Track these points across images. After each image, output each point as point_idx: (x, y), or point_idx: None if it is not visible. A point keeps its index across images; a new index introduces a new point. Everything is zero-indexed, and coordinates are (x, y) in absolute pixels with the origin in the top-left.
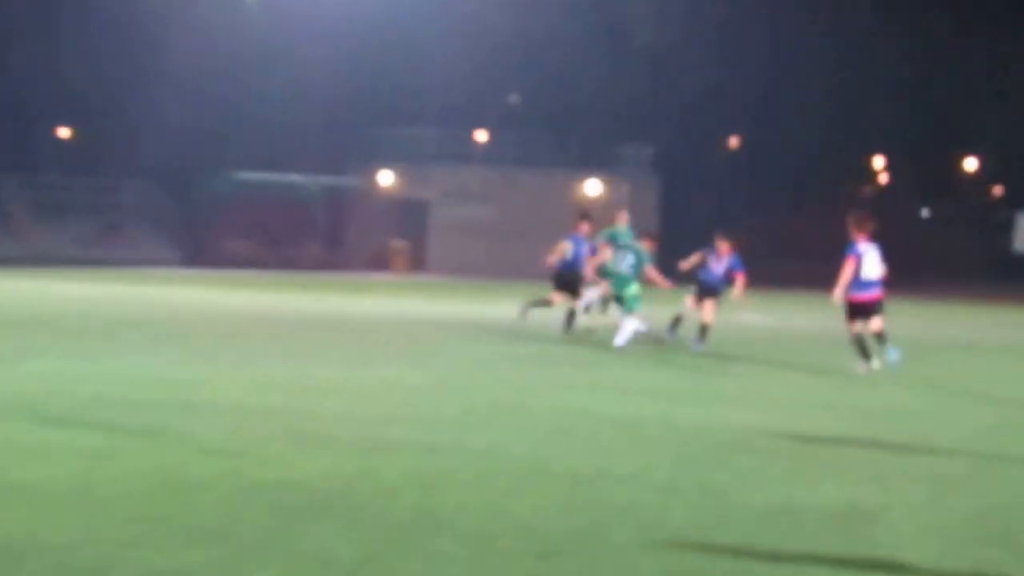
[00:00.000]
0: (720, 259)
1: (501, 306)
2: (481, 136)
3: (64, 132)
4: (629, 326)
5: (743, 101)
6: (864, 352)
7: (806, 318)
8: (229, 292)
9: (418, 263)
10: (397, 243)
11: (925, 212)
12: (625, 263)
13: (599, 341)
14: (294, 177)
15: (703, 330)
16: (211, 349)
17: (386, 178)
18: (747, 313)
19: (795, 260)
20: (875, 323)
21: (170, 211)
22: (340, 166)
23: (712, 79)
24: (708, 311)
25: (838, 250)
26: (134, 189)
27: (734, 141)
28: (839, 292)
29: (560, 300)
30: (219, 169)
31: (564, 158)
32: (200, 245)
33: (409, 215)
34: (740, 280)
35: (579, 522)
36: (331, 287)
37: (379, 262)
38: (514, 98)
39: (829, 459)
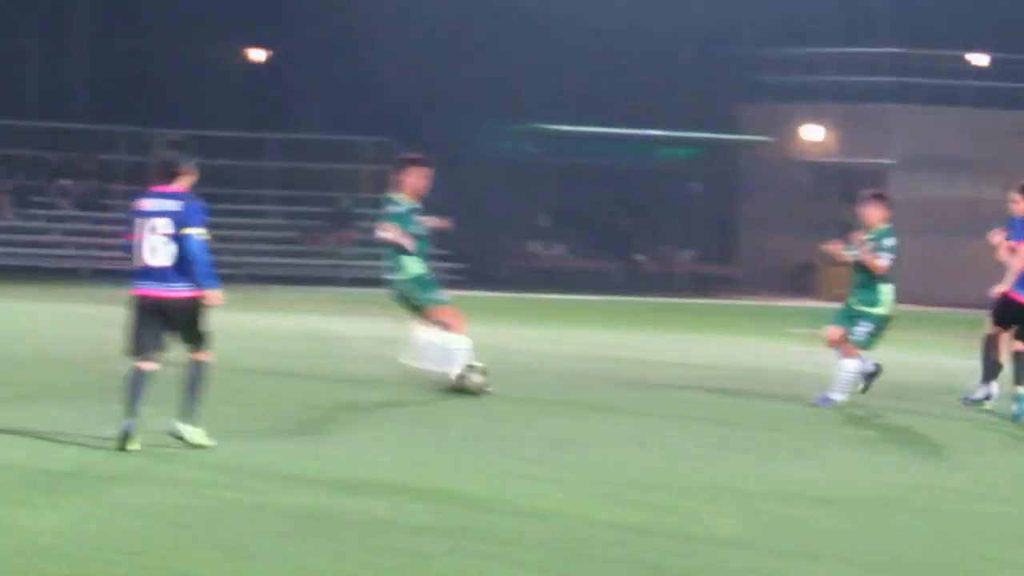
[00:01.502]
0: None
1: None
2: (979, 59)
3: (256, 54)
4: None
5: None
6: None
7: None
8: (532, 329)
9: None
10: (833, 246)
11: None
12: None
13: None
14: (648, 133)
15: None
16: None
17: (813, 133)
18: None
19: None
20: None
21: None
22: (717, 113)
23: None
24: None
25: None
26: (371, 149)
27: None
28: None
29: None
30: (503, 121)
31: None
32: (477, 246)
33: (850, 198)
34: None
35: None
36: (723, 322)
37: (800, 280)
38: None
39: None
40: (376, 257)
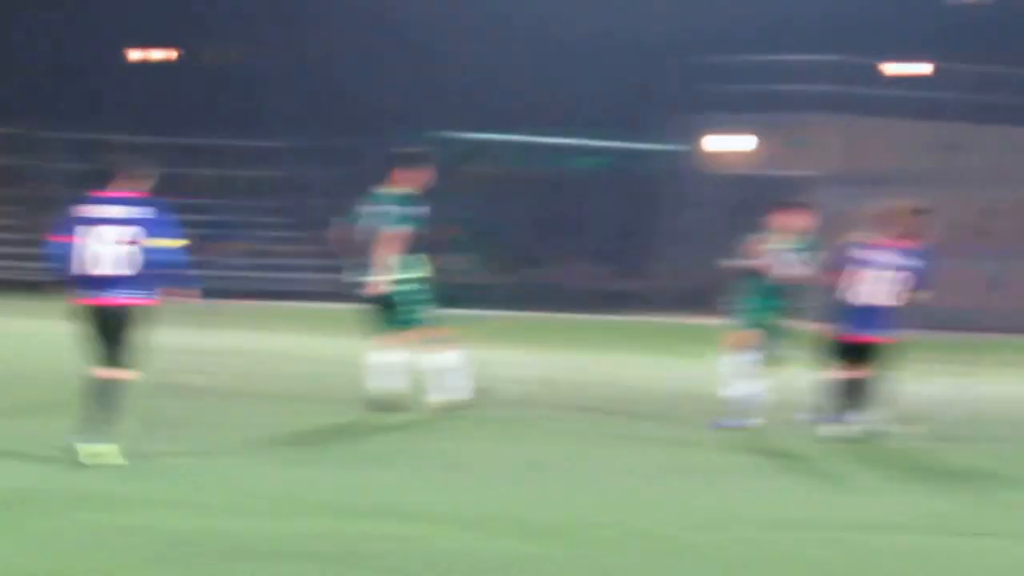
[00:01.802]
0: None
1: None
2: (894, 68)
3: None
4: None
5: None
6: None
7: None
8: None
9: None
10: (736, 263)
11: None
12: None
13: None
14: (558, 141)
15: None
16: None
17: (716, 143)
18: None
19: None
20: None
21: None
22: (641, 124)
23: None
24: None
25: None
26: (288, 159)
27: None
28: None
29: None
30: (412, 129)
31: None
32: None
33: (769, 212)
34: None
35: None
36: (624, 339)
37: (702, 296)
38: None
39: None
40: (267, 268)
